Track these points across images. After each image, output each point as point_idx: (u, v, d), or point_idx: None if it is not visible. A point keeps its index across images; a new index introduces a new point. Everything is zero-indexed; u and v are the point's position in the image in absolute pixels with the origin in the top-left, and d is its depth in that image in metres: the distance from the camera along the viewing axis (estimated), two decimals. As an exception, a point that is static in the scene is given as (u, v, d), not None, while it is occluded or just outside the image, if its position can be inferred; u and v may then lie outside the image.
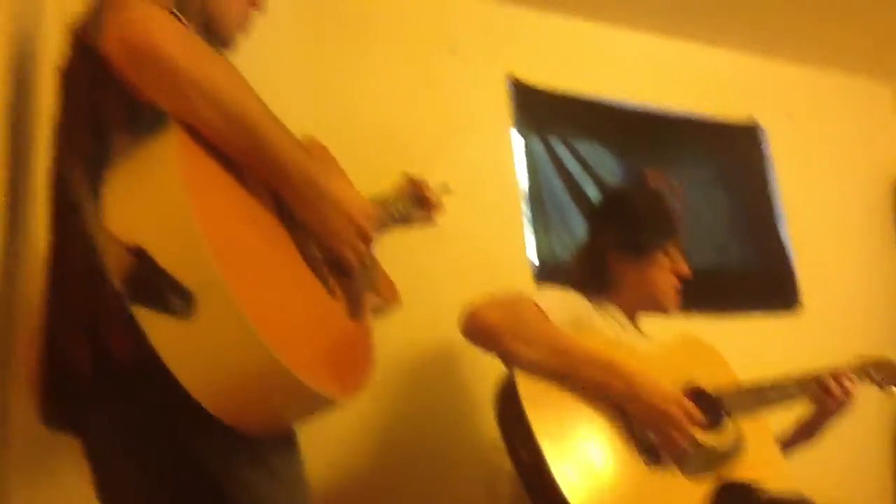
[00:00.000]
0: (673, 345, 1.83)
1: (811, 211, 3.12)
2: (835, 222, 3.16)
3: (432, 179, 1.89)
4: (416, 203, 1.79)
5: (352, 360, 1.10)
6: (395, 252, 1.87)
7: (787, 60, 3.27)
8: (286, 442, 1.09)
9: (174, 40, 0.94)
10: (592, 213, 2.06)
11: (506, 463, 1.57)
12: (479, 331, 1.63)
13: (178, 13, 1.00)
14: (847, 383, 1.83)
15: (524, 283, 2.41)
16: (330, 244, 1.12)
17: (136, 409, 0.98)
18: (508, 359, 1.59)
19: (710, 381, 1.74)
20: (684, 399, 1.57)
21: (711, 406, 1.69)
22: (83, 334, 0.98)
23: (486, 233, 2.44)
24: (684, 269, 1.89)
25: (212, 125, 0.96)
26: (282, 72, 2.26)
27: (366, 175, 2.19)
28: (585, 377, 1.55)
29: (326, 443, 1.98)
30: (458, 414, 2.21)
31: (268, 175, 1.05)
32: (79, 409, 1.03)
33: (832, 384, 1.82)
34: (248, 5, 1.37)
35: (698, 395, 1.67)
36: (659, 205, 2.03)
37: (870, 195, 3.32)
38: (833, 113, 3.34)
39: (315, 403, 0.95)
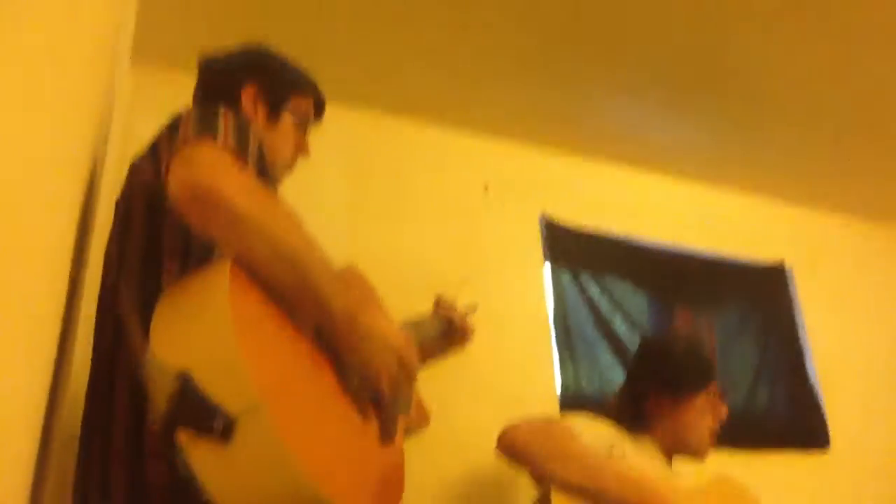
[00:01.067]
0: (708, 483, 1.84)
1: (840, 352, 3.13)
2: (864, 365, 3.16)
3: (467, 282, 1.99)
4: (445, 325, 1.82)
5: (383, 487, 1.12)
6: (425, 379, 1.95)
7: (815, 207, 3.39)
8: None
9: (235, 184, 1.01)
10: (634, 356, 2.10)
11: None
12: (513, 448, 1.68)
13: (240, 152, 1.07)
14: None
15: (550, 412, 2.45)
16: (367, 375, 1.13)
17: None
18: (542, 477, 1.64)
19: None
20: None
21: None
22: (122, 462, 1.02)
23: (515, 363, 2.51)
24: (723, 412, 1.92)
25: (263, 262, 1.02)
26: (328, 212, 2.41)
27: (401, 308, 2.32)
28: (618, 497, 1.57)
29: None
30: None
31: (312, 311, 1.09)
32: None
33: None
34: (296, 150, 1.49)
35: None
36: (698, 350, 2.10)
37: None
38: (859, 257, 3.41)
39: None
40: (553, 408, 2.49)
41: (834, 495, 2.01)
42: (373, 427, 1.15)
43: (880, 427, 3.05)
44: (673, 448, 1.91)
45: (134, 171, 1.25)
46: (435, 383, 2.00)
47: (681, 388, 1.90)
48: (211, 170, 1.01)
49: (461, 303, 1.98)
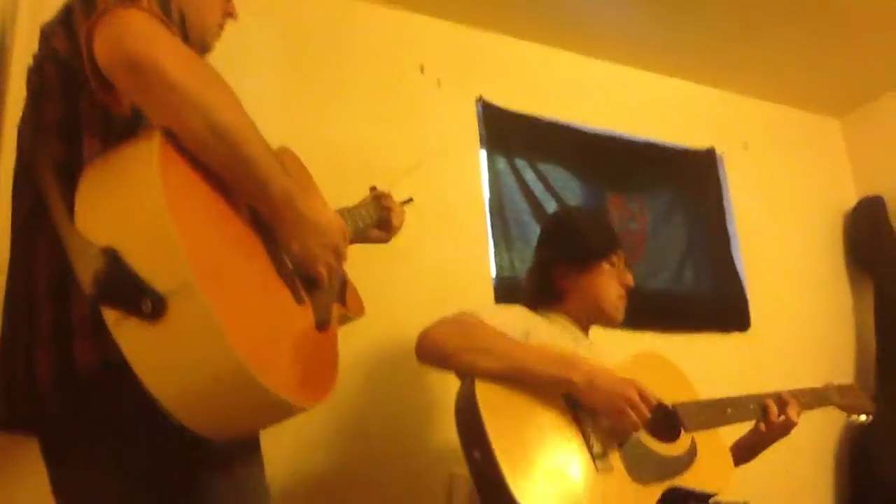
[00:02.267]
0: (633, 359, 1.89)
1: (765, 237, 3.25)
2: (787, 248, 3.29)
3: (399, 196, 1.96)
4: (379, 214, 1.84)
5: (318, 369, 1.10)
6: (360, 265, 1.93)
7: (744, 94, 3.43)
8: (250, 449, 1.09)
9: (170, 52, 0.95)
10: (540, 233, 2.14)
11: (462, 468, 1.63)
12: (431, 352, 1.68)
13: (166, 16, 0.99)
14: (790, 411, 1.88)
15: (485, 297, 2.49)
16: (305, 261, 1.14)
17: (99, 417, 0.97)
18: (465, 372, 1.64)
19: (668, 394, 1.80)
20: (640, 383, 1.63)
21: (668, 417, 1.76)
22: (48, 343, 0.98)
23: (450, 249, 2.52)
24: (628, 278, 1.97)
25: (199, 137, 0.97)
26: (259, 89, 2.31)
27: (335, 192, 2.28)
28: (542, 372, 1.60)
29: (288, 447, 2.03)
30: (418, 422, 2.28)
31: (248, 190, 1.07)
32: (38, 416, 1.01)
33: (773, 409, 1.88)
34: (223, 15, 1.42)
35: (655, 406, 1.74)
36: (600, 220, 2.17)
37: (821, 224, 3.46)
38: (787, 145, 3.49)
39: (282, 410, 0.94)
40: (488, 292, 2.53)
41: (754, 374, 2.11)
42: (307, 312, 1.14)
43: (799, 311, 3.20)
44: (587, 317, 1.96)
45: (45, 37, 1.15)
46: (371, 269, 2.01)
47: (586, 256, 1.94)
48: (144, 36, 0.94)
49: (397, 193, 1.96)
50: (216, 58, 1.43)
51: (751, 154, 3.35)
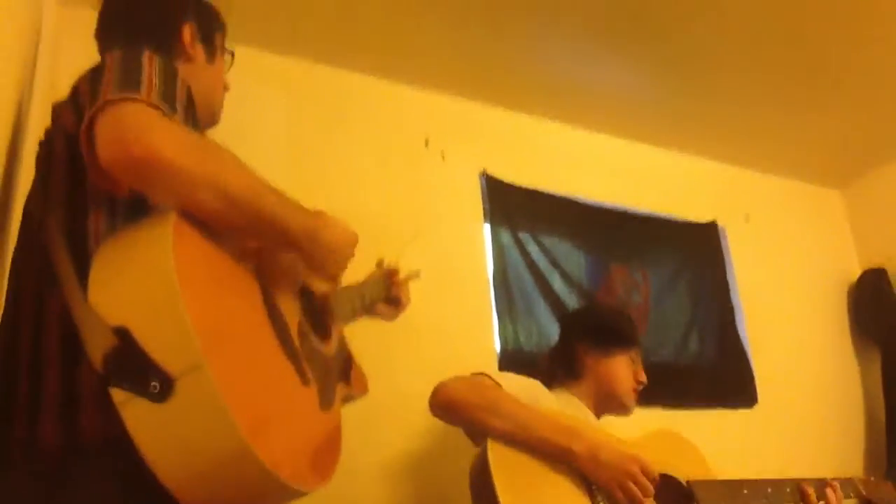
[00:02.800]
0: (648, 436, 1.88)
1: (769, 309, 3.24)
2: (792, 320, 3.28)
3: (404, 267, 1.96)
4: (386, 289, 1.85)
5: (322, 451, 1.10)
6: (363, 339, 1.93)
7: (744, 166, 3.47)
8: None
9: (175, 145, 0.96)
10: (568, 315, 2.25)
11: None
12: (446, 404, 1.71)
13: (165, 106, 1.01)
14: (830, 493, 1.88)
15: (488, 369, 2.46)
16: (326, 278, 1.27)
17: (102, 496, 0.96)
18: (476, 429, 1.67)
19: (684, 472, 1.79)
20: (644, 458, 1.62)
21: (683, 495, 1.74)
22: (53, 412, 0.97)
23: (454, 320, 2.51)
24: (643, 376, 2.02)
25: (214, 211, 1.00)
26: (264, 165, 2.31)
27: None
28: (546, 439, 1.61)
29: None
30: (420, 486, 2.24)
31: (272, 239, 1.13)
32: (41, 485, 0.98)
33: (811, 492, 1.86)
34: (223, 89, 1.46)
35: (669, 483, 1.72)
36: (626, 317, 2.23)
37: (825, 296, 3.46)
38: (789, 216, 3.51)
39: (285, 494, 0.93)
40: (492, 365, 2.51)
41: (760, 452, 2.08)
42: (312, 392, 1.14)
43: (805, 384, 3.17)
44: (600, 401, 1.97)
45: (56, 114, 1.18)
46: (374, 341, 2.00)
47: (611, 341, 2.01)
48: (142, 135, 0.94)
49: (404, 266, 1.97)
50: (222, 130, 1.48)
51: (753, 226, 3.37)
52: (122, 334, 0.86)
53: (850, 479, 2.02)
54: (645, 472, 1.59)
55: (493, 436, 1.60)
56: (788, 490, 1.88)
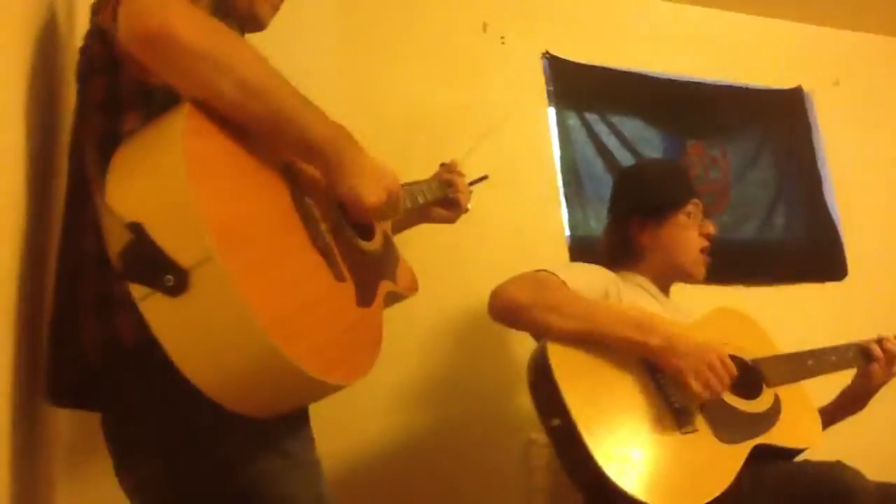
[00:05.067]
0: (710, 316, 1.81)
1: (860, 178, 3.04)
2: (885, 190, 3.07)
3: (470, 171, 1.91)
4: (445, 191, 1.79)
5: (358, 346, 1.08)
6: (428, 231, 1.91)
7: (830, 25, 3.19)
8: (297, 422, 1.07)
9: (190, 23, 0.94)
10: (612, 191, 2.06)
11: (540, 433, 1.59)
12: (504, 308, 1.63)
13: None
14: (892, 347, 1.79)
15: (560, 258, 2.42)
16: (354, 202, 1.12)
17: (146, 396, 0.98)
18: (538, 330, 1.60)
19: (747, 350, 1.72)
20: (721, 348, 1.56)
21: (749, 374, 1.68)
22: (91, 316, 0.99)
23: (523, 210, 2.45)
24: (709, 227, 1.89)
25: (229, 98, 0.97)
26: (317, 58, 2.30)
27: (405, 155, 2.26)
28: (619, 336, 1.55)
29: (356, 414, 2.02)
30: (491, 386, 2.24)
31: (289, 141, 1.07)
32: (90, 390, 1.02)
33: (876, 349, 1.79)
34: None
35: (735, 362, 1.65)
36: (672, 170, 2.07)
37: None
38: (882, 77, 3.24)
39: (316, 388, 0.93)
40: (563, 253, 2.45)
41: (851, 326, 1.98)
42: (348, 288, 1.10)
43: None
44: (667, 275, 1.89)
45: (93, 12, 1.16)
46: (440, 234, 1.98)
47: (659, 208, 1.88)
48: (159, 10, 0.93)
49: (470, 168, 1.91)
50: (272, 26, 1.42)
51: (842, 90, 3.13)
52: (136, 229, 0.85)
53: None
54: (723, 362, 1.53)
55: (559, 336, 1.54)
56: (852, 354, 1.81)
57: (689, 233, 1.87)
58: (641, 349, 1.55)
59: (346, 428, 1.99)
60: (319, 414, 1.17)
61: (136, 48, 0.95)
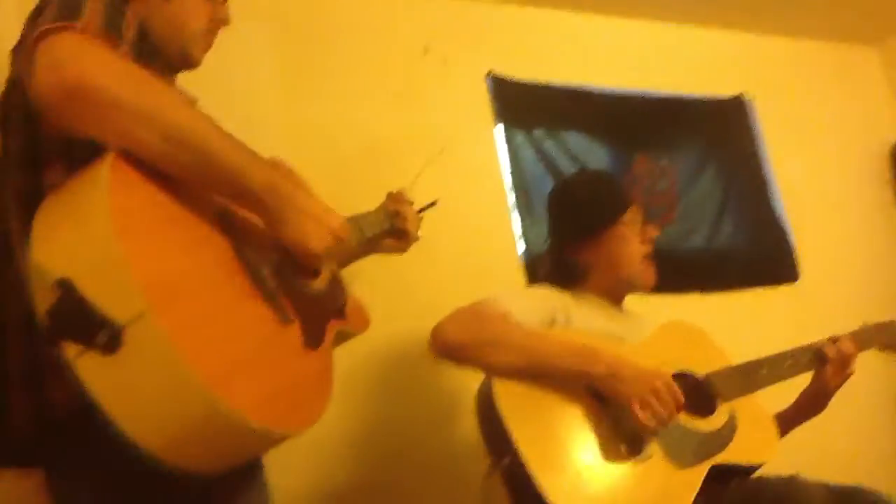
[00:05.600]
0: (660, 331, 1.78)
1: (805, 181, 3.09)
2: (830, 190, 3.14)
3: (416, 187, 1.89)
4: (391, 222, 1.76)
5: (307, 391, 1.05)
6: (383, 259, 1.88)
7: (767, 33, 3.26)
8: (248, 474, 1.04)
9: (107, 73, 0.91)
10: (547, 212, 1.99)
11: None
12: (445, 348, 1.57)
13: (110, 34, 0.97)
14: (845, 347, 1.77)
15: (514, 276, 2.42)
16: (298, 245, 1.08)
17: (84, 458, 0.94)
18: (481, 369, 1.56)
19: (700, 363, 1.69)
20: (666, 373, 1.52)
21: (701, 390, 1.65)
22: (20, 387, 0.95)
23: (475, 231, 2.45)
24: (650, 231, 1.83)
25: (155, 148, 0.93)
26: (256, 90, 2.27)
27: (350, 185, 2.23)
28: (562, 367, 1.51)
29: (305, 456, 1.97)
30: (448, 415, 2.21)
31: (225, 189, 1.02)
32: (27, 455, 0.99)
33: (830, 350, 1.76)
34: (209, 21, 1.34)
35: (686, 380, 1.63)
36: (602, 183, 1.98)
37: (866, 161, 3.29)
38: (820, 81, 3.32)
39: (263, 440, 0.90)
40: (517, 270, 2.45)
41: (805, 328, 1.98)
42: (295, 330, 1.07)
43: (850, 255, 3.05)
44: (615, 289, 1.83)
45: (11, 60, 1.12)
46: (391, 261, 1.95)
47: (594, 224, 1.81)
48: (75, 61, 0.90)
49: (415, 192, 1.88)
50: (208, 59, 1.39)
51: (782, 95, 3.19)
52: (65, 285, 0.81)
53: (862, 327, 1.89)
54: (669, 387, 1.48)
55: (502, 372, 1.50)
56: (806, 358, 1.78)
57: (630, 244, 1.80)
58: (585, 379, 1.51)
59: (298, 468, 1.94)
60: (269, 457, 1.14)
61: (52, 102, 0.91)
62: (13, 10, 1.17)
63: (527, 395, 1.50)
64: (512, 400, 1.47)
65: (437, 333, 1.58)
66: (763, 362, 1.75)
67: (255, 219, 1.09)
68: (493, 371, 1.51)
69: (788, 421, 1.81)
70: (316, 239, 1.08)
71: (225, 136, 1.00)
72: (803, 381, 1.83)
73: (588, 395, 1.53)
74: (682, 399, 1.50)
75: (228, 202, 1.08)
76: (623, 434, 1.50)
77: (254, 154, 1.04)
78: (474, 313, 1.59)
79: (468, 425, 2.13)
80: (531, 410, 1.48)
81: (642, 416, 1.46)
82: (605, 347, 1.57)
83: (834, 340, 1.79)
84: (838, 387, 1.79)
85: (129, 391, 0.81)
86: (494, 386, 1.48)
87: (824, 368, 1.77)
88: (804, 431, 1.85)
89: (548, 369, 1.51)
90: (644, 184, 2.79)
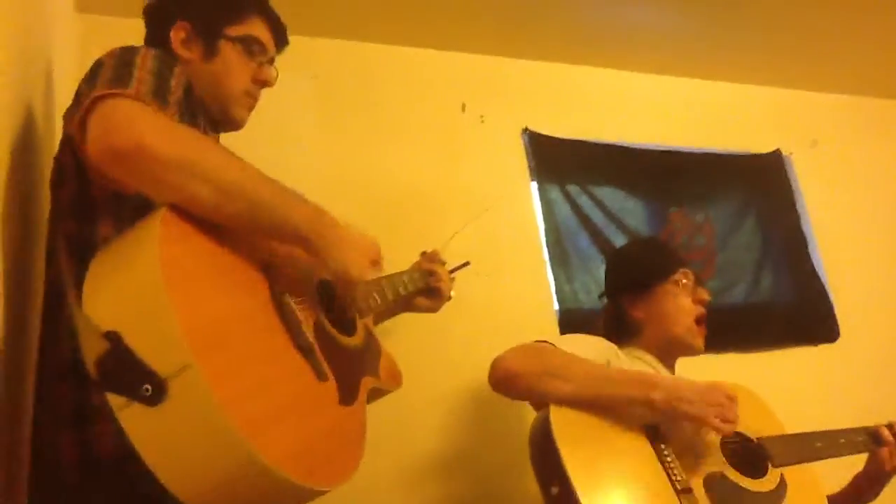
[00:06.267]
0: None
1: (844, 237, 3.06)
2: (870, 247, 3.09)
3: (451, 245, 1.93)
4: (426, 280, 1.80)
5: (341, 447, 1.06)
6: (412, 327, 1.90)
7: (805, 88, 3.26)
8: None
9: (161, 135, 0.95)
10: (605, 273, 2.06)
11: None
12: (504, 376, 1.57)
13: (156, 101, 1.01)
14: None
15: (549, 332, 2.40)
16: (343, 274, 1.13)
17: None
18: (539, 396, 1.55)
19: (752, 428, 1.68)
20: (723, 384, 1.53)
21: (753, 451, 1.64)
22: (69, 429, 0.98)
23: (510, 287, 2.45)
24: (703, 294, 1.86)
25: (210, 203, 0.97)
26: (297, 143, 2.33)
27: (387, 238, 2.24)
28: (622, 395, 1.51)
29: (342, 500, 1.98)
30: (489, 466, 2.19)
31: (274, 233, 1.08)
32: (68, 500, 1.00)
33: (885, 433, 1.75)
34: (252, 81, 1.39)
35: (740, 440, 1.62)
36: (657, 244, 2.11)
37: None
38: (859, 136, 3.30)
39: (297, 494, 0.89)
40: (552, 327, 2.44)
41: (845, 388, 1.94)
42: (330, 387, 1.09)
43: (889, 313, 2.99)
44: (666, 348, 1.84)
45: (65, 121, 1.17)
46: (425, 328, 1.97)
47: (647, 281, 1.86)
48: (129, 125, 0.95)
49: (449, 250, 1.91)
50: (252, 116, 1.44)
51: (821, 151, 3.18)
52: (113, 338, 0.84)
53: None
54: (730, 398, 1.50)
55: (560, 400, 1.49)
56: (861, 438, 1.77)
57: (681, 301, 1.84)
58: (646, 406, 1.50)
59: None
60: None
61: (107, 163, 0.95)
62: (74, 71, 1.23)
63: (583, 425, 1.49)
64: (568, 429, 1.46)
65: (498, 363, 1.59)
66: (818, 435, 1.74)
67: (297, 274, 1.13)
68: (552, 399, 1.50)
69: (841, 503, 1.79)
70: (356, 266, 1.13)
71: (269, 182, 1.05)
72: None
73: (645, 435, 1.53)
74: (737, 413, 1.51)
75: (274, 250, 1.12)
76: (674, 482, 1.48)
77: (295, 194, 1.09)
78: (533, 346, 1.61)
79: (517, 476, 2.14)
80: (586, 442, 1.47)
81: (713, 423, 1.48)
82: (664, 376, 1.60)
83: (891, 425, 1.79)
84: (894, 472, 1.77)
85: (170, 441, 0.83)
86: (552, 413, 1.48)
87: (880, 451, 1.76)
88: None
89: (607, 398, 1.51)
90: (680, 239, 2.79)
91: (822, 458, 1.70)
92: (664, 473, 1.49)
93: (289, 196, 1.07)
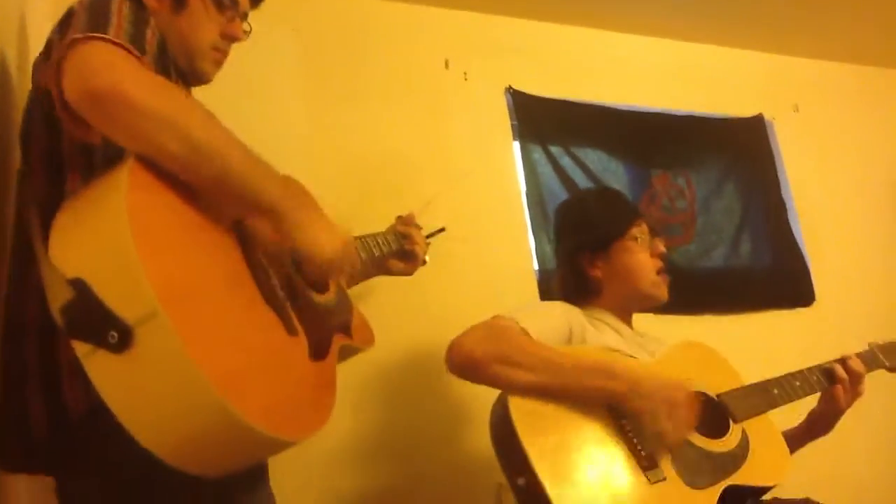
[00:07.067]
0: (673, 351, 1.78)
1: (824, 203, 3.08)
2: (848, 213, 3.11)
3: (429, 221, 1.92)
4: (399, 243, 1.79)
5: (308, 400, 1.05)
6: (393, 286, 1.90)
7: (789, 54, 3.25)
8: (252, 480, 1.05)
9: (139, 82, 0.94)
10: (555, 229, 2.03)
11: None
12: (462, 364, 1.55)
13: (133, 48, 0.99)
14: (854, 367, 1.78)
15: (529, 292, 2.42)
16: (310, 253, 1.10)
17: (95, 462, 0.96)
18: (499, 386, 1.54)
19: (713, 384, 1.69)
20: (686, 385, 1.53)
21: (715, 410, 1.65)
22: (37, 386, 0.97)
23: (489, 246, 2.45)
24: (659, 246, 1.84)
25: (179, 158, 0.95)
26: (278, 102, 2.30)
27: (368, 195, 2.26)
28: (583, 385, 1.50)
29: (316, 465, 2.00)
30: (461, 426, 2.20)
31: (242, 202, 1.05)
32: (40, 458, 1.00)
33: (839, 370, 1.78)
34: (221, 38, 1.35)
35: (701, 399, 1.62)
36: (609, 197, 2.02)
37: (884, 184, 3.26)
38: (841, 103, 3.30)
39: (268, 445, 0.90)
40: (532, 286, 2.45)
41: (821, 350, 1.97)
42: (301, 342, 1.08)
43: (865, 278, 3.02)
44: (628, 304, 1.84)
45: (35, 71, 1.15)
46: (404, 287, 1.96)
47: (604, 239, 1.83)
48: (107, 69, 0.93)
49: (428, 213, 1.91)
50: (233, 72, 1.42)
51: (802, 117, 3.18)
52: (79, 285, 0.83)
53: (870, 347, 1.92)
54: (688, 399, 1.50)
55: (520, 390, 1.48)
56: (816, 377, 1.79)
57: (640, 257, 1.82)
58: (607, 395, 1.51)
59: (310, 482, 1.95)
60: (282, 469, 1.14)
61: (84, 106, 0.93)
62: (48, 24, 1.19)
63: (543, 413, 1.48)
64: (528, 419, 1.46)
65: (454, 349, 1.56)
66: (774, 382, 1.75)
67: (267, 231, 1.11)
68: (511, 389, 1.49)
69: (796, 439, 1.82)
70: (326, 247, 1.11)
71: (244, 151, 1.03)
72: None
73: (606, 412, 1.52)
74: (694, 420, 1.51)
75: (243, 213, 1.10)
76: (640, 453, 1.49)
77: (270, 168, 1.07)
78: (492, 329, 1.57)
79: (479, 439, 2.15)
80: (548, 430, 1.46)
81: (664, 425, 1.47)
82: (625, 362, 1.57)
83: (843, 360, 1.81)
84: (847, 407, 1.80)
85: (137, 390, 0.82)
86: (510, 403, 1.47)
87: (834, 388, 1.78)
88: (817, 455, 1.84)
89: (567, 388, 1.50)
90: (662, 201, 2.79)
91: (781, 405, 1.73)
92: (629, 451, 1.49)
93: (262, 168, 1.05)
